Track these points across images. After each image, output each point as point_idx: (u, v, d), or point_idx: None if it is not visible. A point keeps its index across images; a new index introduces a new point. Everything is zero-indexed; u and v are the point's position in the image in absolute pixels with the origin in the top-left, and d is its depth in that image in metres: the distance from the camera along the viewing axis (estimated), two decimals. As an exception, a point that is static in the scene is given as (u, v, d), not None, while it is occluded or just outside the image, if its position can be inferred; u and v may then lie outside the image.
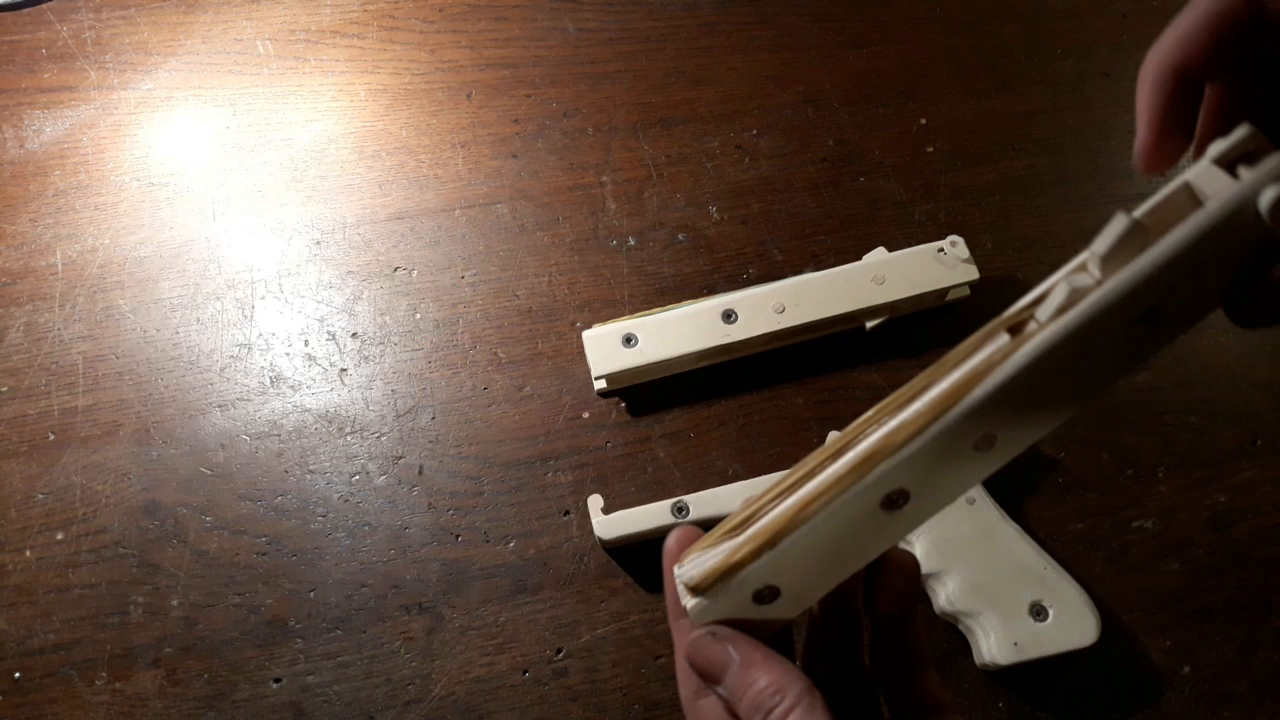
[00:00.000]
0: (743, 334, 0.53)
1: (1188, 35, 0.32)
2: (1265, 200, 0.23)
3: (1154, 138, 0.33)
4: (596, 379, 0.54)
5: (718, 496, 0.49)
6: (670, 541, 0.31)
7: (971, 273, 0.54)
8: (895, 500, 0.26)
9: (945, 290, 0.55)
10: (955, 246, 0.54)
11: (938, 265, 0.54)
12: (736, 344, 0.53)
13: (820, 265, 0.57)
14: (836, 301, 0.54)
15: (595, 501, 0.49)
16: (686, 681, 0.31)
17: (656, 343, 0.53)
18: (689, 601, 0.28)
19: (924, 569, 0.47)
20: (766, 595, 0.28)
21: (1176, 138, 0.33)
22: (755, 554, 0.27)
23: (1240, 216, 0.24)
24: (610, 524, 0.48)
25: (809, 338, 0.55)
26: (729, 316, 0.53)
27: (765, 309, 0.53)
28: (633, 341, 0.52)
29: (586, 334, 0.53)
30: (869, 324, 0.56)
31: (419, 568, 0.51)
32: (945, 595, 0.47)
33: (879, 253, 0.55)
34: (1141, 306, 0.25)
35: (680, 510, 0.49)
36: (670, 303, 0.55)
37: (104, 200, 0.60)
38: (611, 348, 0.53)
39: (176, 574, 0.50)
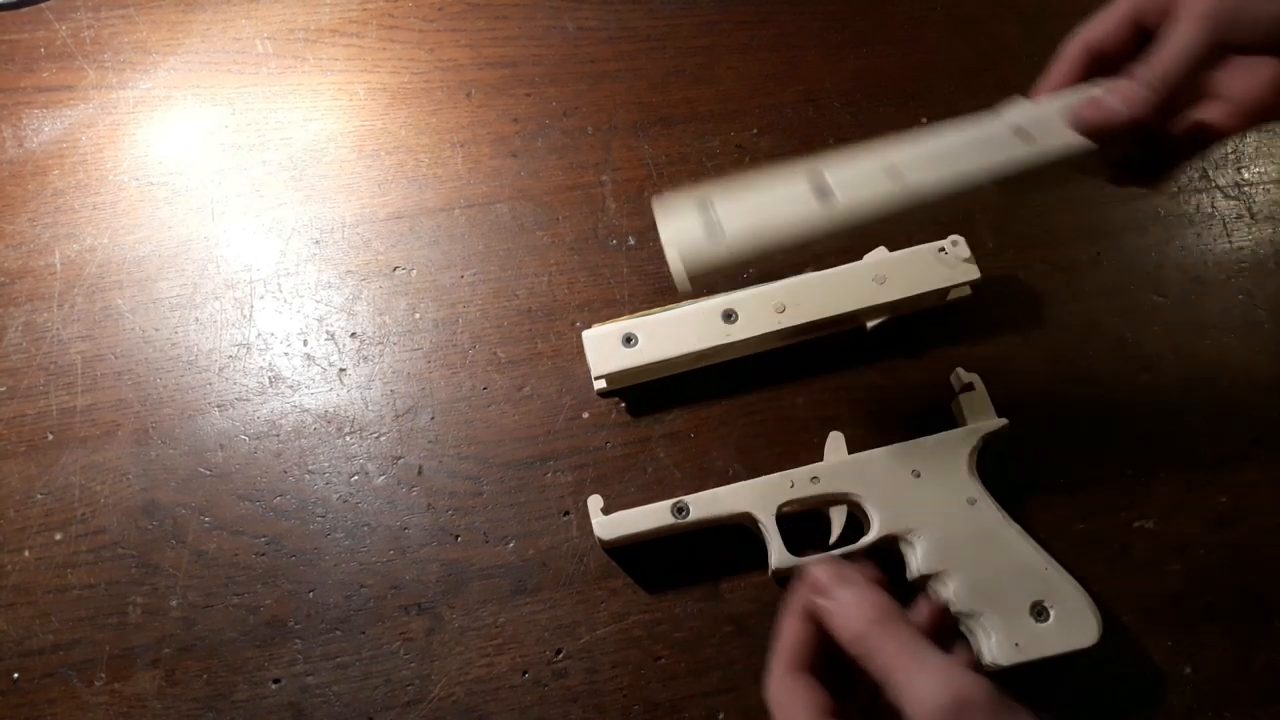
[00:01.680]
0: (743, 334, 0.53)
1: (1104, 24, 0.44)
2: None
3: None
4: (596, 379, 0.53)
5: (718, 497, 0.49)
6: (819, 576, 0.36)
7: (972, 272, 0.54)
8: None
9: (946, 290, 0.54)
10: (956, 246, 0.54)
11: (939, 265, 0.54)
12: (737, 344, 0.53)
13: (820, 265, 0.57)
14: (837, 301, 0.53)
15: (595, 502, 0.49)
16: (783, 656, 0.36)
17: (656, 343, 0.52)
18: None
19: (924, 569, 0.47)
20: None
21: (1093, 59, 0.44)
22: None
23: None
24: (610, 524, 0.48)
25: (809, 338, 0.55)
26: (729, 316, 0.53)
27: (765, 309, 0.53)
28: (633, 341, 0.52)
29: (586, 334, 0.53)
30: (870, 324, 0.56)
31: (418, 568, 0.51)
32: (946, 596, 0.47)
33: (879, 252, 0.55)
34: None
35: (680, 510, 0.48)
36: (670, 302, 0.55)
37: (102, 200, 0.60)
38: (611, 348, 0.52)
39: (175, 574, 0.50)
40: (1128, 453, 0.54)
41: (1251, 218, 0.61)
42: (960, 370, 0.53)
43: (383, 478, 0.53)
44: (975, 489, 0.49)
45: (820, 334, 0.55)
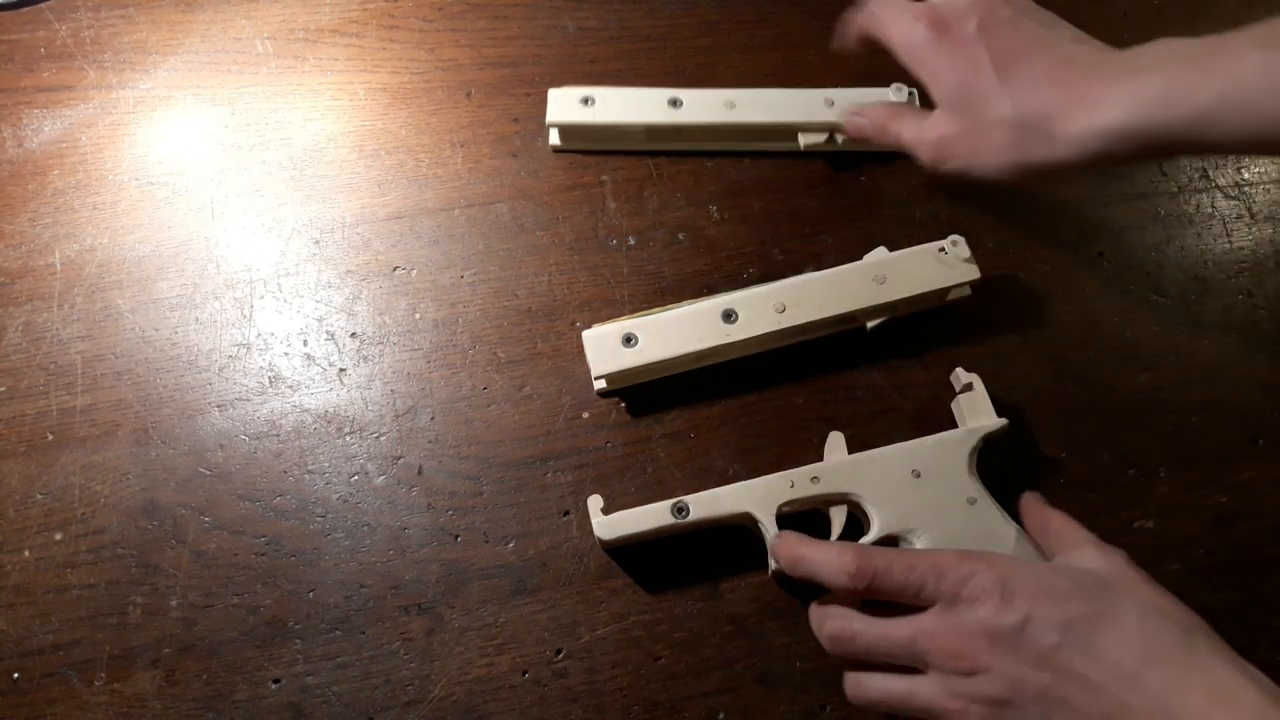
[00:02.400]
0: (743, 334, 0.53)
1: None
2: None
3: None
4: (596, 379, 0.53)
5: (718, 497, 0.49)
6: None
7: (972, 272, 0.54)
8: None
9: (946, 290, 0.54)
10: (956, 246, 0.54)
11: (939, 265, 0.54)
12: (737, 344, 0.53)
13: (821, 265, 0.57)
14: (837, 301, 0.53)
15: (595, 502, 0.49)
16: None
17: (657, 343, 0.52)
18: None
19: None
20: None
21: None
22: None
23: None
24: (610, 525, 0.48)
25: (809, 337, 0.55)
26: (729, 316, 0.53)
27: (766, 309, 0.53)
28: (633, 341, 0.52)
29: (587, 334, 0.53)
30: (869, 324, 0.56)
31: (418, 568, 0.51)
32: None
33: (880, 252, 0.55)
34: None
35: (680, 510, 0.48)
36: (670, 302, 0.55)
37: (102, 200, 0.60)
38: (611, 348, 0.52)
39: (175, 574, 0.50)
40: (1128, 453, 0.54)
41: (1251, 218, 0.61)
42: (960, 370, 0.53)
43: (383, 478, 0.53)
44: (975, 489, 0.49)
45: (820, 334, 0.55)
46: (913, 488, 0.49)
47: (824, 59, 0.65)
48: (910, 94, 0.61)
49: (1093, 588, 0.40)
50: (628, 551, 0.51)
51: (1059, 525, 0.46)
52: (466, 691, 0.48)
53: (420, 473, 0.53)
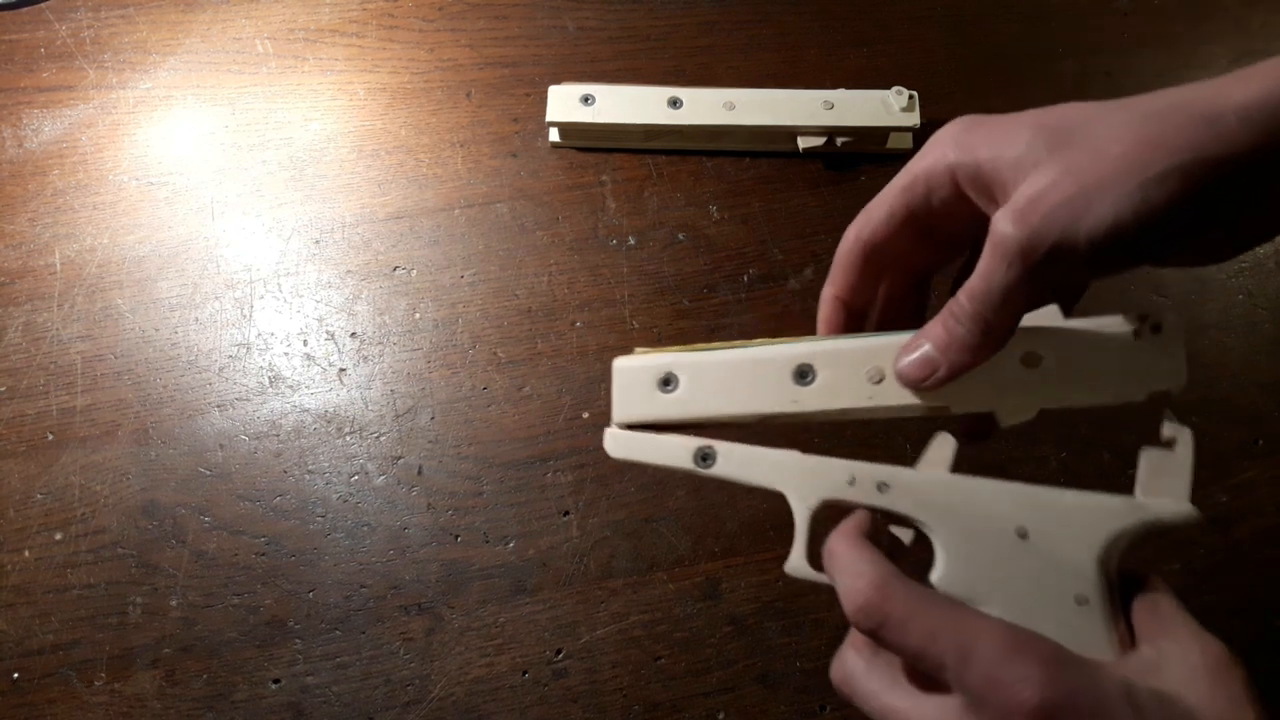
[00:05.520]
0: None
1: (872, 219, 0.36)
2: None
3: (829, 316, 0.39)
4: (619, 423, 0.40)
5: (753, 458, 0.38)
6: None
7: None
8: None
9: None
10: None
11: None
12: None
13: (821, 265, 0.57)
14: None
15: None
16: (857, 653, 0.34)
17: (704, 394, 0.39)
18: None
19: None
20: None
21: (852, 314, 0.38)
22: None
23: None
24: (622, 442, 0.39)
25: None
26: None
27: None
28: (672, 385, 0.39)
29: (618, 363, 0.39)
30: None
31: (418, 568, 0.51)
32: None
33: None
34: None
35: (705, 458, 0.38)
36: (671, 301, 0.55)
37: (102, 200, 0.60)
38: (645, 390, 0.39)
39: (175, 574, 0.50)
40: (1129, 452, 0.54)
41: (1252, 218, 0.61)
42: (1169, 416, 0.37)
43: (383, 478, 0.53)
44: (1094, 586, 0.33)
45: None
46: (1009, 549, 0.34)
47: (824, 59, 0.65)
48: (910, 96, 0.61)
49: None
50: (628, 551, 0.51)
51: (1162, 598, 0.33)
52: (466, 691, 0.48)
53: (420, 473, 0.53)
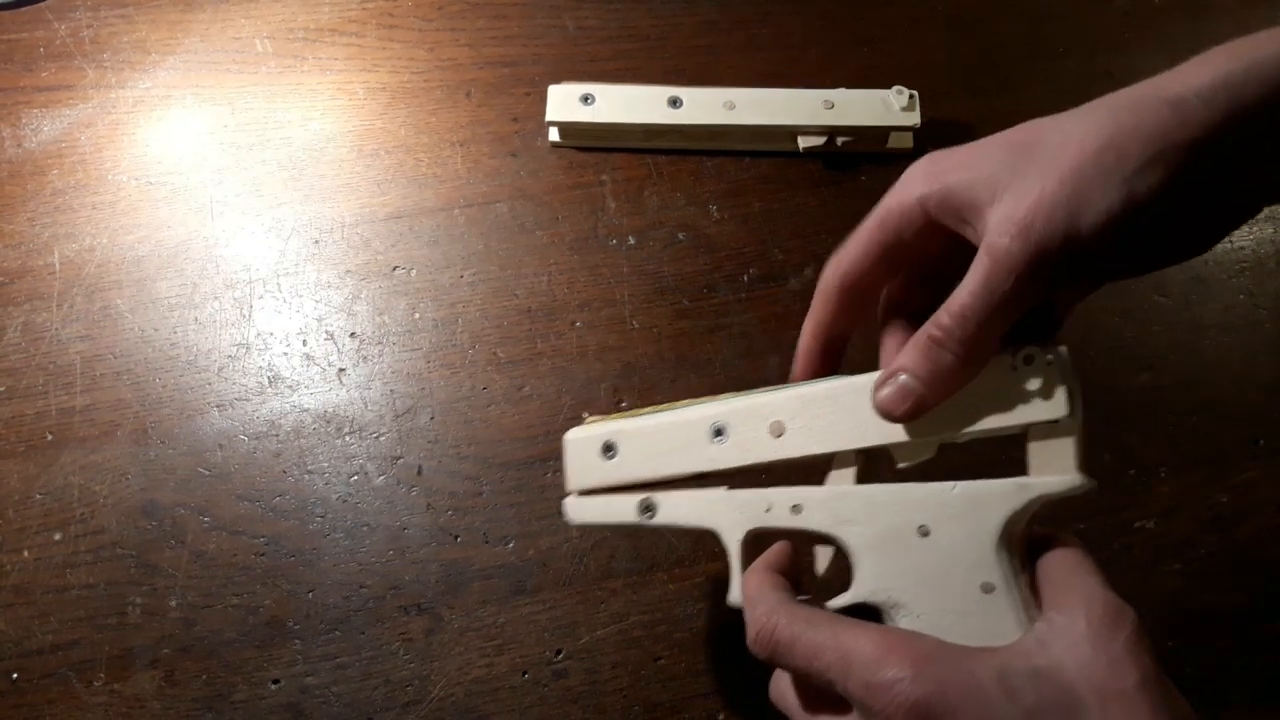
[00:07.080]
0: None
1: (853, 254, 0.37)
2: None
3: (805, 365, 0.40)
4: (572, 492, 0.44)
5: (681, 503, 0.40)
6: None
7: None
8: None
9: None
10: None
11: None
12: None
13: (821, 265, 0.57)
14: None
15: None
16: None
17: (640, 456, 0.41)
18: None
19: None
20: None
21: (828, 358, 0.40)
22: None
23: None
24: (578, 508, 0.42)
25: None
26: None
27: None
28: (612, 452, 0.42)
29: (568, 436, 0.44)
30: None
31: (418, 568, 0.51)
32: None
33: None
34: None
35: (647, 510, 0.41)
36: (671, 301, 0.55)
37: (102, 199, 0.60)
38: (591, 458, 0.43)
39: (174, 574, 0.50)
40: (1129, 453, 0.54)
41: (1252, 217, 0.61)
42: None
43: (382, 478, 0.53)
44: (998, 571, 0.33)
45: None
46: (913, 550, 0.34)
47: (824, 58, 0.65)
48: (911, 96, 0.61)
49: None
50: (627, 551, 0.51)
51: (1060, 560, 0.33)
52: (466, 692, 0.48)
53: (420, 473, 0.53)
